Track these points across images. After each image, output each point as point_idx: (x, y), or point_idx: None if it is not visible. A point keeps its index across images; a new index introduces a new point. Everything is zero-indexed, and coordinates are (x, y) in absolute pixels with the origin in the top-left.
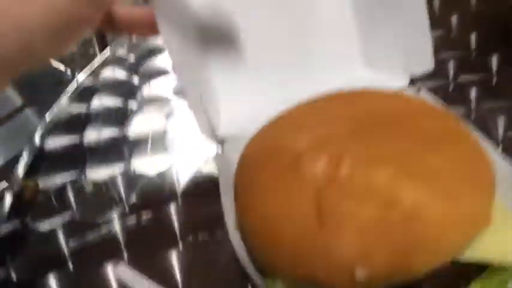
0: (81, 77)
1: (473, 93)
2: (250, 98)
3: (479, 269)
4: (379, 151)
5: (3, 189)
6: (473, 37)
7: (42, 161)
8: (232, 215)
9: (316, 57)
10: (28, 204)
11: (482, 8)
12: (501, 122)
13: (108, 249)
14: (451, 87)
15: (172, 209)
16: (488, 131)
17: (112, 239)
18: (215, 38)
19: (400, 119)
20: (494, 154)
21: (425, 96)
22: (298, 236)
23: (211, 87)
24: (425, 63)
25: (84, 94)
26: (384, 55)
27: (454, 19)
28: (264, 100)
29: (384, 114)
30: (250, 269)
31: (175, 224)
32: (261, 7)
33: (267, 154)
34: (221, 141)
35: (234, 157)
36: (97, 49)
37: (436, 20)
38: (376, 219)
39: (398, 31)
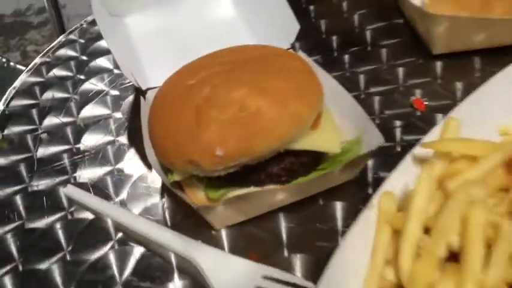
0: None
1: (347, 59)
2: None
3: (315, 161)
4: (242, 78)
5: None
6: (356, 17)
7: None
8: (148, 140)
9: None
10: None
11: None
12: (363, 80)
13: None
14: (334, 55)
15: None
16: (355, 86)
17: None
18: None
19: (262, 59)
20: (346, 96)
21: (301, 55)
22: (182, 135)
23: (138, 60)
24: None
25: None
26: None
27: (344, 4)
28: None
29: (253, 58)
30: (158, 171)
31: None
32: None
33: (170, 90)
34: (145, 91)
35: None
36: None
37: (327, 6)
38: (231, 119)
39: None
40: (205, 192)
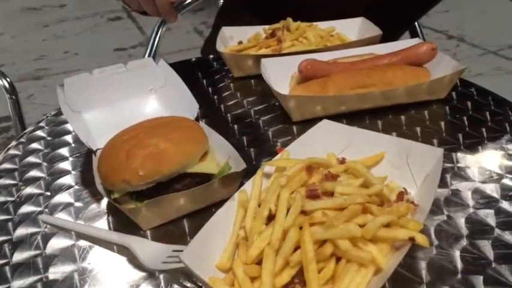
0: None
1: (236, 127)
2: (108, 129)
3: (205, 180)
4: (156, 133)
5: None
6: (245, 102)
7: None
8: (97, 177)
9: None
10: None
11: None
12: (245, 141)
13: None
14: (229, 126)
15: (72, 210)
16: (240, 144)
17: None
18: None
19: (169, 122)
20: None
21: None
22: (118, 166)
23: (88, 130)
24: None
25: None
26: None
27: (238, 94)
28: (116, 130)
29: (164, 122)
30: (104, 193)
31: None
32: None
33: (111, 143)
34: (95, 151)
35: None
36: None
37: (226, 96)
38: (148, 154)
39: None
40: (134, 203)
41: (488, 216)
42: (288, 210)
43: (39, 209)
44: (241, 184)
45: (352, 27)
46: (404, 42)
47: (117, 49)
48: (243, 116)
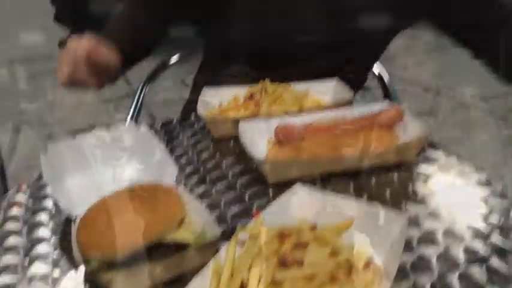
0: None
1: (213, 190)
2: (88, 196)
3: (181, 247)
4: (135, 203)
5: None
6: (223, 163)
7: None
8: (76, 246)
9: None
10: None
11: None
12: (223, 202)
13: None
14: (207, 187)
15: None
16: (216, 205)
17: None
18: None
19: (149, 191)
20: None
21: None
22: (96, 236)
23: (70, 197)
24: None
25: None
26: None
27: (217, 154)
28: (96, 196)
29: (142, 191)
30: (82, 264)
31: None
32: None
33: (89, 212)
34: (75, 217)
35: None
36: None
37: (206, 155)
38: (125, 224)
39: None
40: (110, 273)
41: (453, 280)
42: (259, 280)
43: (15, 280)
44: (218, 250)
45: (326, 89)
46: (375, 106)
47: (104, 101)
48: (221, 177)
